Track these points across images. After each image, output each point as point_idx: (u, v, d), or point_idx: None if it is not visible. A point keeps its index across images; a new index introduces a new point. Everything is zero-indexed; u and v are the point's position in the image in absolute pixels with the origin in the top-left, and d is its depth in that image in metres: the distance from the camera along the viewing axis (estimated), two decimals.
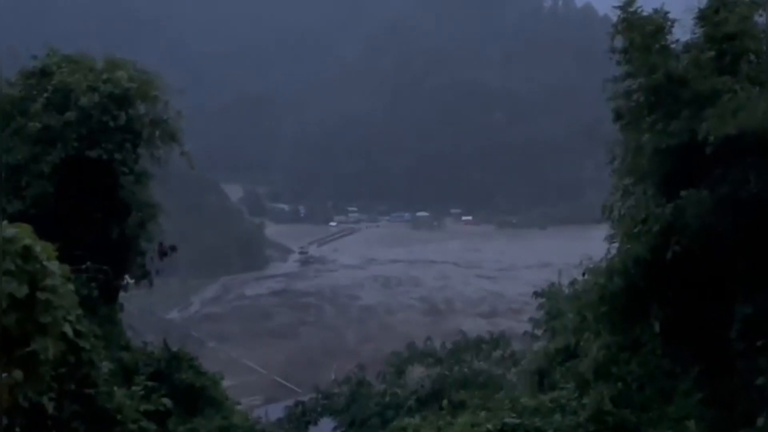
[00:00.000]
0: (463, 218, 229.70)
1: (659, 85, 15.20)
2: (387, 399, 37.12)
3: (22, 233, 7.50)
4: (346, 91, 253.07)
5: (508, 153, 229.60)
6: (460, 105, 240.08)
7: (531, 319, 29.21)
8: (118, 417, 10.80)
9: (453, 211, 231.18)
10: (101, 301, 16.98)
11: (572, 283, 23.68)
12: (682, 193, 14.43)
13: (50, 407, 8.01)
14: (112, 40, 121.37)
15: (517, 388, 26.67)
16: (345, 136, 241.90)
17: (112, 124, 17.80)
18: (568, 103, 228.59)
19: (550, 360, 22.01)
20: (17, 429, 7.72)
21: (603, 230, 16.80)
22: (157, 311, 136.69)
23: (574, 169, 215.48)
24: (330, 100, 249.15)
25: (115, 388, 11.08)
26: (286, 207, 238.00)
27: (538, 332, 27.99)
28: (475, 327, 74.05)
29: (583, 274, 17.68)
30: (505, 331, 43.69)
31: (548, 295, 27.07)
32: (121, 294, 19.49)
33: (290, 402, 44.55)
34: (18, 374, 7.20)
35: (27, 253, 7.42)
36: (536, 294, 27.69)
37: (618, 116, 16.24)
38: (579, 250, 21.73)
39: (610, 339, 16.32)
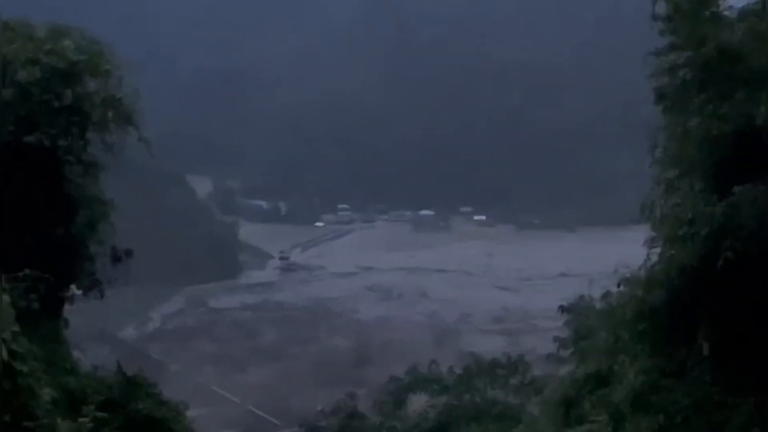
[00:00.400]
0: (475, 218, 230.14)
1: (710, 60, 15.15)
2: None
3: None
4: (337, 66, 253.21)
5: (528, 141, 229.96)
6: (471, 83, 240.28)
7: (556, 339, 29.16)
8: None
9: (463, 209, 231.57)
10: (42, 316, 16.88)
11: (605, 295, 23.63)
12: (737, 188, 14.37)
13: None
14: (56, 5, 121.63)
15: (539, 421, 26.63)
16: (334, 120, 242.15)
17: (55, 103, 17.72)
18: (600, 80, 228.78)
19: (578, 387, 21.97)
20: None
21: (642, 233, 16.75)
22: (110, 328, 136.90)
23: (607, 160, 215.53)
24: (317, 77, 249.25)
25: (59, 420, 11.01)
26: (263, 204, 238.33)
27: (564, 354, 27.94)
28: (490, 347, 74.10)
29: (618, 285, 17.63)
30: (526, 353, 43.74)
31: (576, 310, 27.05)
32: (67, 307, 19.40)
33: None
34: None
35: None
36: (562, 309, 27.65)
37: (660, 97, 16.17)
38: (613, 256, 21.67)
39: (650, 363, 16.26)
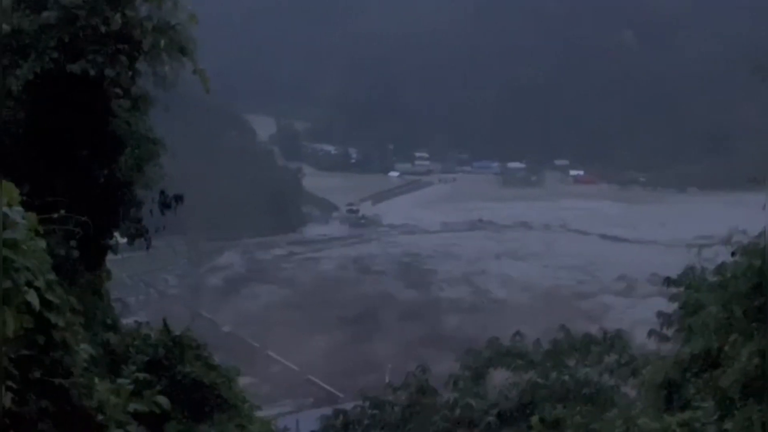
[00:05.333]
0: (572, 173, 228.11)
1: None
2: (458, 412, 37.30)
3: None
4: None
5: (638, 88, 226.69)
6: (573, 19, 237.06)
7: (660, 314, 28.90)
8: (99, 418, 10.93)
9: (558, 162, 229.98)
10: (82, 265, 17.21)
11: (719, 267, 23.31)
12: None
13: (8, 400, 8.13)
14: None
15: (636, 405, 26.51)
16: (413, 56, 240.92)
17: (103, 29, 17.81)
18: (723, 18, 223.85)
19: (683, 369, 21.78)
20: None
21: (762, 195, 16.42)
22: (156, 281, 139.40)
23: (728, 112, 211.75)
24: (394, 6, 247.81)
25: (97, 379, 11.21)
26: (331, 149, 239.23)
27: (669, 332, 27.72)
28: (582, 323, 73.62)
29: (733, 254, 17.36)
30: (624, 328, 43.41)
31: (685, 282, 26.71)
32: (109, 257, 19.72)
33: (328, 410, 45.10)
34: None
35: None
36: (668, 281, 27.34)
37: None
38: (729, 220, 21.34)
39: (766, 343, 16.03)
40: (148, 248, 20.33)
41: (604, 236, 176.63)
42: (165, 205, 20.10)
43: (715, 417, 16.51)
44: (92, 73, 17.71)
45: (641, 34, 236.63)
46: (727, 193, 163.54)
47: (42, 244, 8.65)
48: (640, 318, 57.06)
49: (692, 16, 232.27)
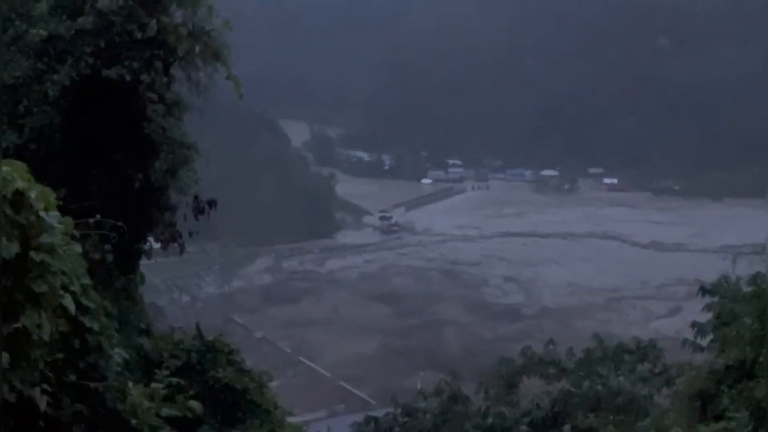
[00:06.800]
0: (606, 181, 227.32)
1: None
2: (490, 420, 37.26)
3: (15, 173, 7.62)
4: (453, 1, 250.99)
5: (673, 94, 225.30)
6: (609, 25, 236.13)
7: (694, 324, 28.79)
8: (132, 422, 11.04)
9: (592, 170, 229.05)
10: (116, 270, 17.34)
11: (754, 277, 23.21)
12: None
13: (43, 403, 8.19)
14: None
15: (669, 415, 26.37)
16: (449, 63, 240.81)
17: (138, 35, 17.97)
18: (759, 25, 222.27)
19: (717, 379, 21.66)
20: None
21: None
22: (190, 286, 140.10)
23: (764, 119, 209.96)
24: (430, 13, 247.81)
25: (130, 383, 11.31)
26: (365, 155, 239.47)
27: (703, 342, 27.60)
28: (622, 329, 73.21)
29: None
30: (657, 337, 43.27)
31: (720, 291, 26.57)
32: (143, 261, 19.83)
33: (360, 417, 45.15)
34: (3, 357, 7.36)
35: (19, 200, 7.52)
36: (703, 290, 27.22)
37: None
38: (765, 230, 21.21)
39: None
40: (182, 253, 20.44)
41: (637, 244, 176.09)
42: (199, 210, 20.19)
43: (749, 428, 16.41)
44: (128, 78, 17.88)
45: (676, 40, 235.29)
46: (764, 203, 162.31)
47: (78, 248, 8.73)
48: (679, 326, 56.86)
49: (728, 23, 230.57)
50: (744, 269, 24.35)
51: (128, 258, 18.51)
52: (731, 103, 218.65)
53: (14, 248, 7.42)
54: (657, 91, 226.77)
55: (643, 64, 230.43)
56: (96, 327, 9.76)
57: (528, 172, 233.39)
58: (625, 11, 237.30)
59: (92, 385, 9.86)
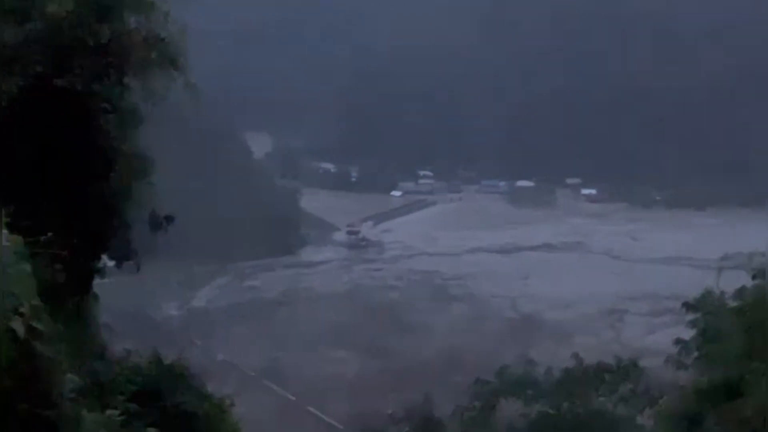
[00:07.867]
0: (584, 191, 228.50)
1: None
2: None
3: None
4: (424, 6, 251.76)
5: (653, 103, 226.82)
6: (586, 32, 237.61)
7: (678, 341, 28.95)
8: None
9: (569, 181, 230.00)
10: (68, 290, 17.19)
11: (739, 291, 23.35)
12: None
13: None
14: None
15: None
16: (418, 71, 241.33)
17: (90, 42, 17.86)
18: (743, 35, 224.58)
19: (701, 399, 21.79)
20: None
21: None
22: (146, 307, 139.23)
23: (747, 129, 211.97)
24: (397, 19, 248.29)
25: (85, 411, 11.23)
26: (331, 167, 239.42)
27: (687, 360, 27.74)
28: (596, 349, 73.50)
29: (754, 278, 17.38)
30: (640, 356, 43.36)
31: (703, 306, 26.74)
32: (97, 281, 19.70)
33: None
34: None
35: None
36: (687, 306, 27.39)
37: None
38: (751, 242, 21.34)
39: None
40: (137, 271, 20.34)
41: (616, 257, 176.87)
42: (155, 225, 20.10)
43: None
44: (79, 87, 17.73)
45: (658, 48, 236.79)
46: (752, 212, 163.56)
47: (27, 268, 8.66)
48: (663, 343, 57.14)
49: (711, 32, 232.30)
50: (731, 281, 24.52)
51: (81, 277, 18.37)
52: (713, 114, 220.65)
53: None
54: (637, 101, 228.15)
55: (621, 72, 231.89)
56: (47, 351, 9.68)
57: (502, 183, 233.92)
58: (604, 19, 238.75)
59: (44, 412, 9.76)
